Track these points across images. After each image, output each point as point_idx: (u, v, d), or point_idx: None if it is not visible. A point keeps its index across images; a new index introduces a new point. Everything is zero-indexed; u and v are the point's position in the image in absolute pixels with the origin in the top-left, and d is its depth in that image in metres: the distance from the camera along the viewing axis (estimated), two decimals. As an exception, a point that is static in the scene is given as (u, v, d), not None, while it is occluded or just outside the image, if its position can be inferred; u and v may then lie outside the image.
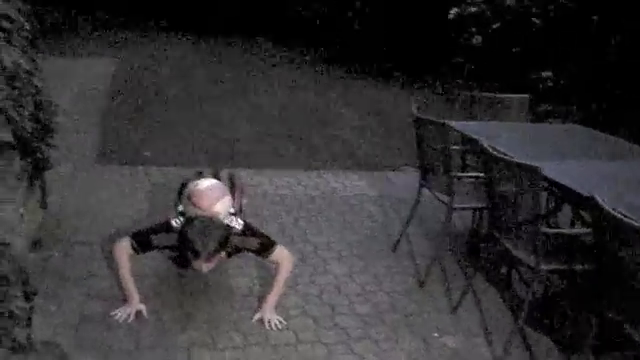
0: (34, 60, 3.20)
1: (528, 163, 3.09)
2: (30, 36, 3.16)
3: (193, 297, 3.72)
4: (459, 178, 4.10)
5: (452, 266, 4.38)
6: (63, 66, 8.94)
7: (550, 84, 8.59)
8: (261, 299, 3.69)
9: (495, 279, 4.23)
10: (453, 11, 9.75)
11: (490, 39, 9.37)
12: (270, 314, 3.56)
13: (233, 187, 3.89)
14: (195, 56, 10.77)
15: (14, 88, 2.60)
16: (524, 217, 3.22)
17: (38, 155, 3.70)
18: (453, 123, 4.04)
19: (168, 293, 3.75)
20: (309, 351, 3.33)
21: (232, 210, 3.61)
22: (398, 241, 4.55)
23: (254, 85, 8.89)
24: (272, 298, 3.60)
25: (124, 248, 3.53)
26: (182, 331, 3.38)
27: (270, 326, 3.49)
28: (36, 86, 3.10)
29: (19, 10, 2.79)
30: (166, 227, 3.50)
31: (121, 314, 3.45)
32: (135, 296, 3.53)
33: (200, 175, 3.84)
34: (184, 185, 3.80)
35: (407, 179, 5.98)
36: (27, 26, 2.88)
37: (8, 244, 2.27)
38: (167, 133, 6.51)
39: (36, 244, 4.05)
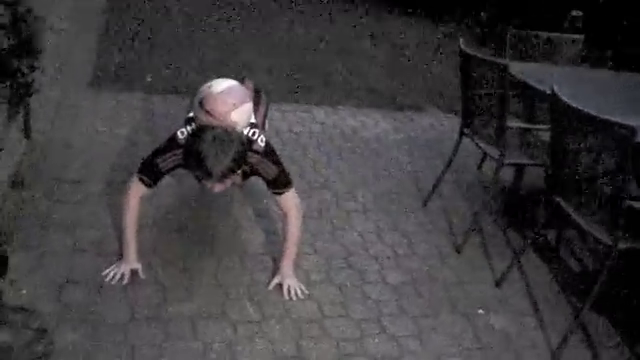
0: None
1: (619, 121, 2.51)
2: None
3: (198, 254, 3.18)
4: (512, 129, 3.48)
5: (490, 228, 3.84)
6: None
7: (579, 25, 7.86)
8: (278, 259, 3.16)
9: (541, 247, 3.70)
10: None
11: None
12: (290, 279, 3.03)
13: (258, 98, 3.26)
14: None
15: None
16: (602, 187, 2.67)
17: (19, 78, 3.09)
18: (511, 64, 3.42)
19: (169, 249, 3.21)
20: (336, 329, 2.81)
21: (253, 120, 2.98)
22: (430, 195, 4.00)
23: (264, 10, 8.15)
24: (289, 256, 3.05)
25: (134, 187, 2.93)
26: (185, 298, 2.85)
27: (290, 295, 2.97)
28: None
29: None
30: (171, 142, 2.88)
31: (114, 273, 2.91)
32: (132, 252, 2.98)
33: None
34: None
35: (433, 121, 5.42)
36: None
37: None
38: (171, 57, 5.84)
39: (16, 182, 3.49)
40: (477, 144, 3.65)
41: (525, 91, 3.61)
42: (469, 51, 3.49)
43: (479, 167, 4.56)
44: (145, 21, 6.82)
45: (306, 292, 3.00)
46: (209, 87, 2.90)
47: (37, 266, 2.88)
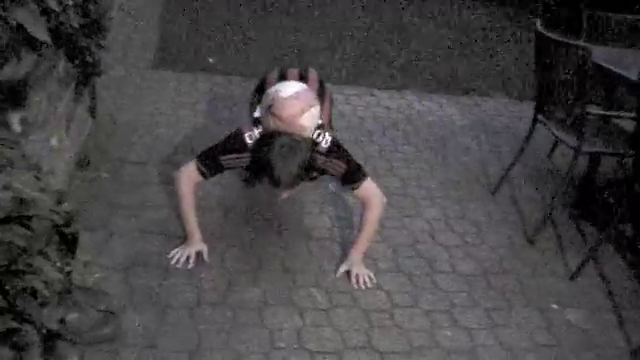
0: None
1: None
2: None
3: (263, 239, 3.12)
4: (592, 115, 3.31)
5: (563, 219, 3.69)
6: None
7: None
8: (344, 245, 3.08)
9: (618, 240, 3.53)
10: None
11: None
12: (358, 267, 2.94)
13: (323, 93, 3.15)
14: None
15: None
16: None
17: (87, 57, 3.06)
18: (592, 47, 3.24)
19: (234, 233, 3.15)
20: (407, 321, 2.72)
21: (320, 121, 2.90)
22: (500, 183, 3.86)
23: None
24: (360, 246, 2.96)
25: (189, 174, 2.86)
26: (252, 284, 2.80)
27: (358, 284, 2.88)
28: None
29: None
30: (239, 145, 2.81)
31: (179, 256, 2.87)
32: (196, 234, 2.93)
33: (282, 77, 3.06)
34: (263, 82, 3.11)
35: (499, 107, 5.25)
36: None
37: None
38: (235, 39, 5.78)
39: (82, 161, 3.48)
40: (552, 131, 3.49)
41: (606, 77, 3.43)
42: (547, 33, 3.33)
43: (550, 155, 4.39)
44: (211, 3, 6.78)
45: (374, 281, 2.91)
46: (277, 91, 2.83)
47: (104, 247, 2.86)
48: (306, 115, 2.75)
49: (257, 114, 2.89)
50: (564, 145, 3.46)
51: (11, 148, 1.91)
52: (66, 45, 2.83)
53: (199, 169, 2.84)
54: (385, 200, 2.99)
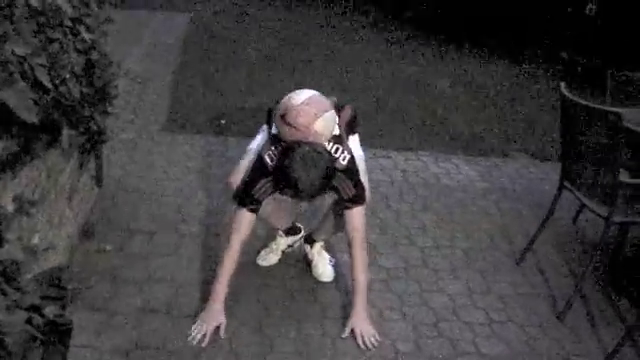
0: (87, 4, 2.40)
1: None
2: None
3: (275, 317, 2.93)
4: (628, 186, 3.11)
5: (594, 293, 3.46)
6: (130, 19, 8.22)
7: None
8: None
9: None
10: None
11: (607, 8, 8.20)
12: (362, 323, 2.86)
13: (340, 110, 3.00)
14: (274, 14, 9.88)
15: (50, 41, 1.82)
16: None
17: (92, 126, 2.94)
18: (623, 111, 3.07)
19: (246, 310, 2.96)
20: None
21: (337, 132, 2.83)
22: (524, 253, 3.66)
23: (340, 49, 7.98)
24: (360, 295, 2.89)
25: (245, 219, 2.82)
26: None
27: (365, 343, 2.77)
28: (86, 40, 2.30)
29: None
30: (262, 169, 2.78)
31: (197, 333, 2.69)
32: (220, 301, 2.80)
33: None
34: (271, 110, 2.97)
35: (519, 169, 5.06)
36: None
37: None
38: (245, 99, 5.69)
39: (86, 232, 3.33)
40: (580, 200, 3.30)
41: (636, 141, 3.25)
42: (574, 98, 3.17)
43: (575, 219, 4.19)
44: (220, 62, 6.73)
45: (379, 339, 2.80)
46: (289, 99, 2.76)
47: (104, 328, 2.69)
48: (319, 121, 2.70)
49: (274, 130, 2.83)
50: (590, 210, 3.27)
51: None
52: (69, 115, 2.70)
53: (249, 209, 2.81)
54: (364, 239, 2.93)
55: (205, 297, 2.87)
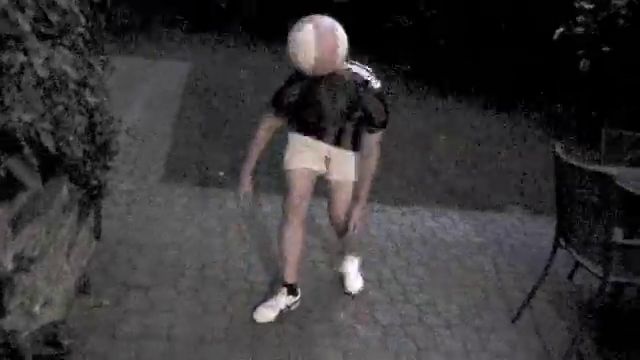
0: (91, 65, 2.45)
1: None
2: (89, 35, 2.43)
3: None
4: (623, 246, 3.14)
5: (591, 351, 3.46)
6: (132, 67, 8.34)
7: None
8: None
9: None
10: (558, 31, 8.76)
11: (600, 64, 8.32)
12: (357, 213, 3.21)
13: None
14: (274, 63, 10.01)
15: (54, 105, 1.87)
16: None
17: (92, 181, 2.97)
18: (614, 171, 3.11)
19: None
20: None
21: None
22: (520, 310, 3.66)
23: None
24: (363, 200, 3.24)
25: (269, 119, 3.26)
26: None
27: (353, 229, 3.19)
28: (89, 103, 2.34)
29: (75, 1, 2.05)
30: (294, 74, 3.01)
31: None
32: (247, 174, 3.33)
33: None
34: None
35: (515, 222, 5.10)
36: (83, 21, 2.12)
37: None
38: (244, 151, 5.72)
39: (84, 286, 3.33)
40: (575, 259, 3.33)
41: (629, 201, 3.30)
42: (566, 159, 3.22)
43: (570, 277, 4.21)
44: (219, 113, 6.80)
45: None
46: (297, 35, 2.74)
47: (99, 387, 2.67)
48: (339, 42, 2.76)
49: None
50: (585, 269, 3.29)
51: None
52: (70, 171, 2.74)
53: (272, 112, 3.20)
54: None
55: (202, 355, 2.86)
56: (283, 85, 3.09)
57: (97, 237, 3.70)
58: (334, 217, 3.40)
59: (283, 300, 3.36)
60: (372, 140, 3.14)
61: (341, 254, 3.73)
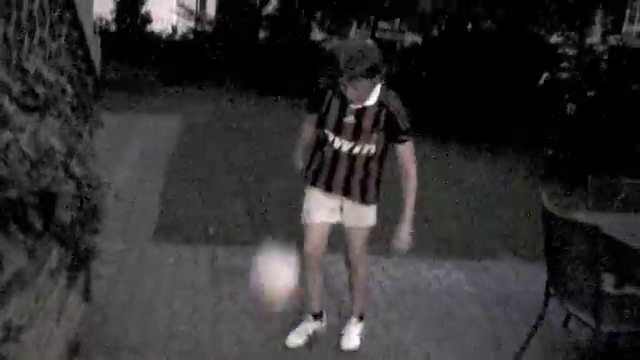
0: (80, 135, 2.47)
1: None
2: (76, 101, 2.45)
3: None
4: (612, 296, 3.15)
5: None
6: (122, 122, 8.39)
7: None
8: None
9: None
10: (544, 76, 8.93)
11: (586, 108, 8.45)
12: (405, 232, 3.44)
13: None
14: (265, 117, 10.09)
15: (40, 176, 1.88)
16: None
17: (81, 245, 2.96)
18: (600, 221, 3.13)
19: None
20: None
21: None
22: (515, 361, 3.64)
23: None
24: (408, 217, 3.44)
25: (307, 120, 3.53)
26: None
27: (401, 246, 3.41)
28: (76, 173, 2.35)
29: (62, 71, 2.07)
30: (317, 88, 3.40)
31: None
32: (298, 150, 3.72)
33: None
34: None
35: (508, 271, 5.10)
36: (70, 90, 2.15)
37: None
38: (235, 206, 5.76)
39: (74, 349, 3.30)
40: (567, 309, 3.33)
41: (618, 249, 3.31)
42: (553, 211, 3.24)
43: (565, 324, 4.19)
44: (210, 166, 6.83)
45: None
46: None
47: None
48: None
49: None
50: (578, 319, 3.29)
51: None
52: (58, 237, 2.73)
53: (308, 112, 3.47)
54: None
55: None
56: (315, 92, 3.39)
57: (86, 300, 3.67)
58: (349, 258, 3.64)
59: (310, 325, 3.65)
60: (405, 154, 3.32)
61: (350, 314, 3.78)
